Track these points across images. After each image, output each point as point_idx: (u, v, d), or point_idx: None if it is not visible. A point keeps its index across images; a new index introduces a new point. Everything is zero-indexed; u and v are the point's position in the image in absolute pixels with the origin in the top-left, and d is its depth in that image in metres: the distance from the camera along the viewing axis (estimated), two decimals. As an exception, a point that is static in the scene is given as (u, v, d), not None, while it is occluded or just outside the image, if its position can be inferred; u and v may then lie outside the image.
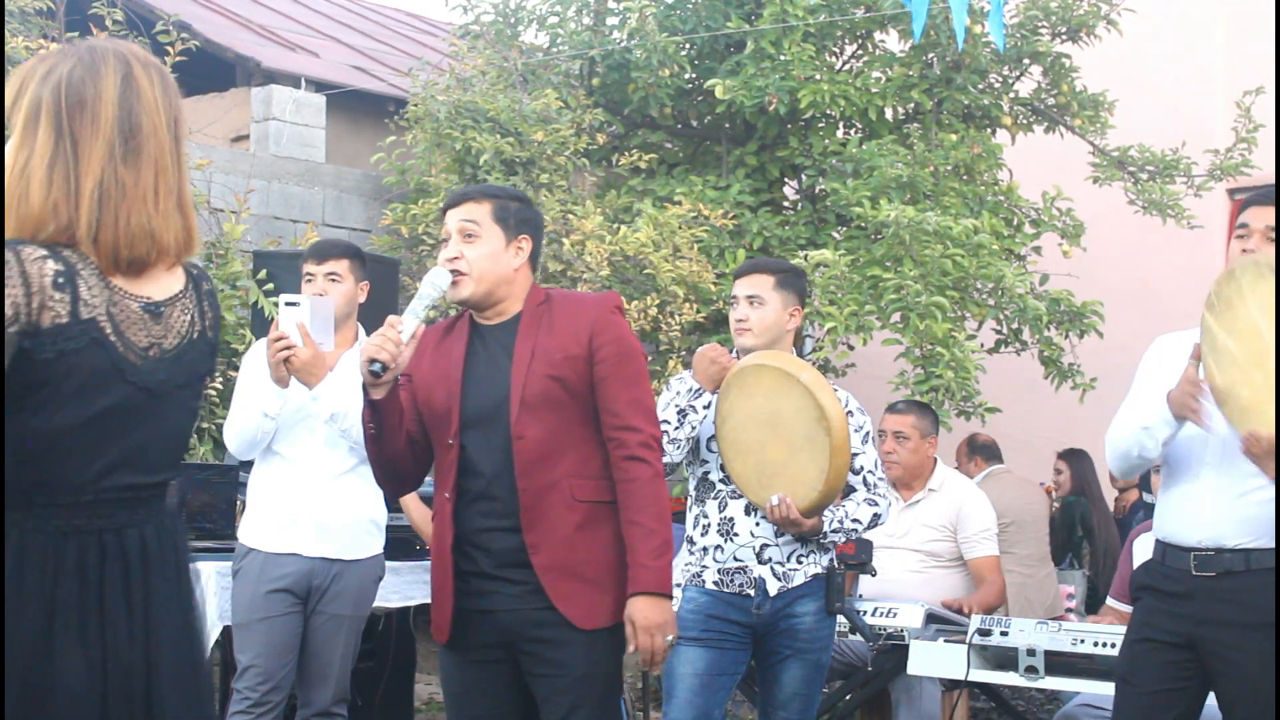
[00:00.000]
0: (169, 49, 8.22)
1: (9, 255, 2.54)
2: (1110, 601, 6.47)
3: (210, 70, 10.93)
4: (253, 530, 5.18)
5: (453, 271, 3.89)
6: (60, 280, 2.58)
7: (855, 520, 4.94)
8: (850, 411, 5.00)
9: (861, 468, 4.99)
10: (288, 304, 5.04)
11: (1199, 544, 4.13)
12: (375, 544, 5.29)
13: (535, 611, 3.81)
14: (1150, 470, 5.63)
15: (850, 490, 4.99)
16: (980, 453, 8.49)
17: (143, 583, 2.72)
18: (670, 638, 3.82)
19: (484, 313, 3.97)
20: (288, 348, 4.96)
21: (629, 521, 3.84)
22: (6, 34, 7.37)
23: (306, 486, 5.13)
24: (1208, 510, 4.14)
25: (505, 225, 3.95)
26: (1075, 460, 9.30)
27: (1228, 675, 4.07)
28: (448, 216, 3.98)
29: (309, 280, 5.25)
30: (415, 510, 6.13)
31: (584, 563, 3.82)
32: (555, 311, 3.94)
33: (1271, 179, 10.53)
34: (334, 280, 5.24)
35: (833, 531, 4.89)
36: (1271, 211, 4.18)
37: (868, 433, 5.08)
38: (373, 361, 3.70)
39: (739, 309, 4.94)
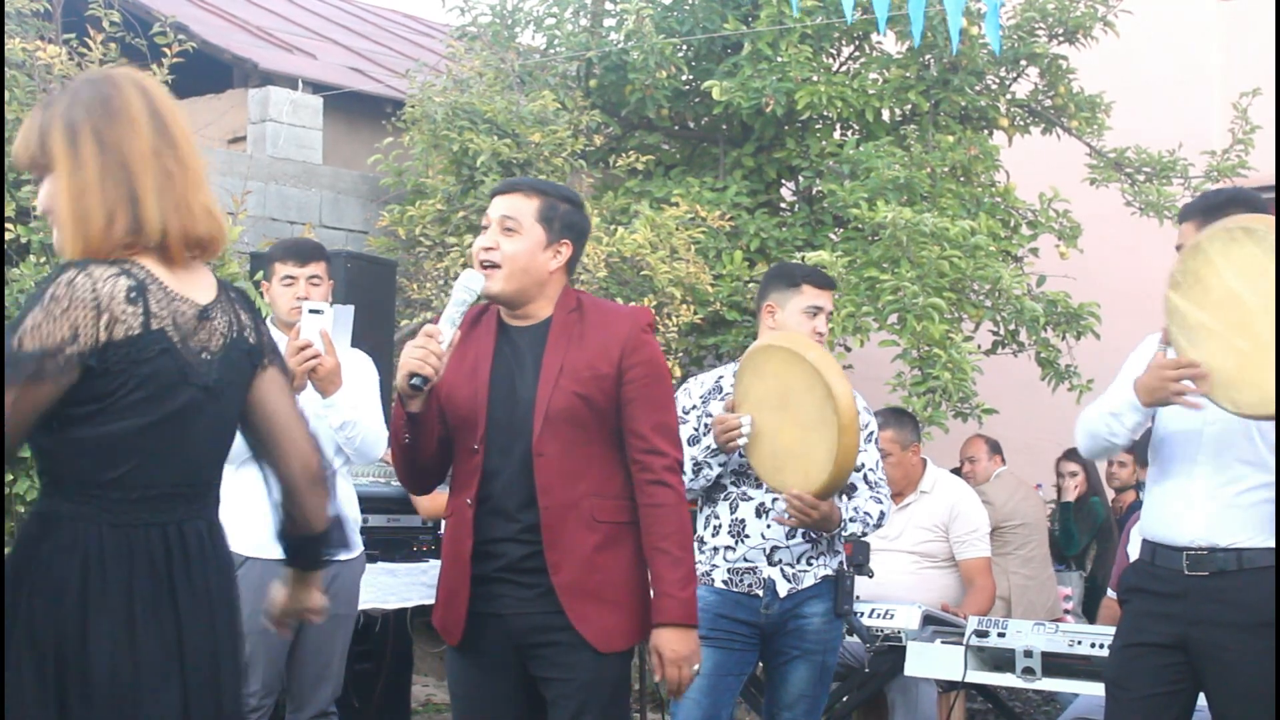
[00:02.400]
0: (166, 50, 8.21)
1: (81, 277, 2.72)
2: (1111, 594, 6.48)
3: (207, 71, 10.92)
4: (248, 538, 5.11)
5: (484, 262, 3.80)
6: (133, 295, 2.77)
7: (867, 513, 4.95)
8: (858, 410, 5.01)
9: (863, 465, 4.99)
10: (311, 310, 4.98)
11: (1191, 543, 4.13)
12: (358, 543, 5.29)
13: (546, 616, 3.76)
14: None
15: (852, 488, 4.99)
16: (999, 451, 8.51)
17: (203, 574, 2.93)
18: (695, 667, 3.79)
19: (512, 312, 3.86)
20: (314, 356, 4.94)
21: (654, 548, 3.77)
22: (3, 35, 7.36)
23: None
24: (1201, 509, 4.13)
25: (549, 225, 3.83)
26: (1089, 460, 9.30)
27: (1220, 676, 4.07)
28: (492, 204, 3.87)
29: (288, 283, 5.16)
30: (426, 499, 6.09)
31: (603, 584, 3.76)
32: (586, 322, 3.83)
33: (1268, 180, 10.56)
34: (315, 284, 5.19)
35: (850, 521, 4.88)
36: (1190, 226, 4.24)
37: (871, 432, 5.09)
38: (413, 375, 3.66)
39: (819, 322, 4.93)
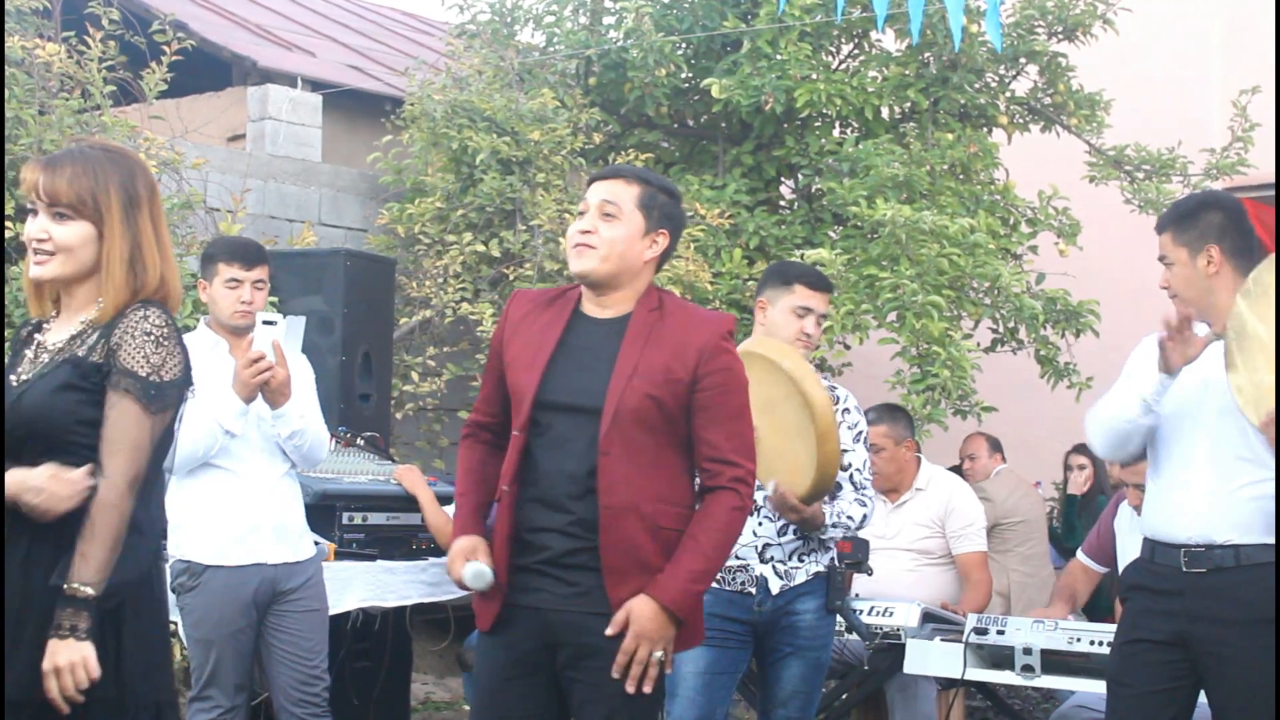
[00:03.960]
0: (165, 48, 8.21)
1: (167, 318, 3.36)
2: (1080, 556, 6.48)
3: (206, 69, 10.91)
4: (207, 547, 5.08)
5: (581, 244, 3.74)
6: (181, 338, 3.40)
7: (849, 517, 4.96)
8: (847, 409, 5.01)
9: (850, 464, 4.98)
10: (265, 322, 4.98)
11: (1189, 540, 4.14)
12: (312, 542, 5.30)
13: (584, 616, 3.66)
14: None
15: (838, 489, 4.98)
16: (999, 449, 8.51)
17: None
18: (659, 654, 3.64)
19: (597, 298, 3.80)
20: (268, 369, 4.93)
21: (690, 535, 3.68)
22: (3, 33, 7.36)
23: (256, 495, 5.09)
24: (1199, 506, 4.13)
25: (648, 214, 3.78)
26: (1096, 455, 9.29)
27: (1220, 673, 4.08)
28: (591, 189, 3.82)
29: (233, 285, 5.08)
30: (432, 513, 6.08)
31: None
32: (667, 323, 3.75)
33: (1267, 177, 10.57)
34: (259, 288, 5.13)
35: (832, 526, 4.89)
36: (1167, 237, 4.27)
37: (860, 432, 5.08)
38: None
39: (808, 323, 4.94)
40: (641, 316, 3.75)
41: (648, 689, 3.65)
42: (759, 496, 4.82)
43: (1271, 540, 4.06)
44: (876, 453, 6.63)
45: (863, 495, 5.02)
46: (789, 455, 4.64)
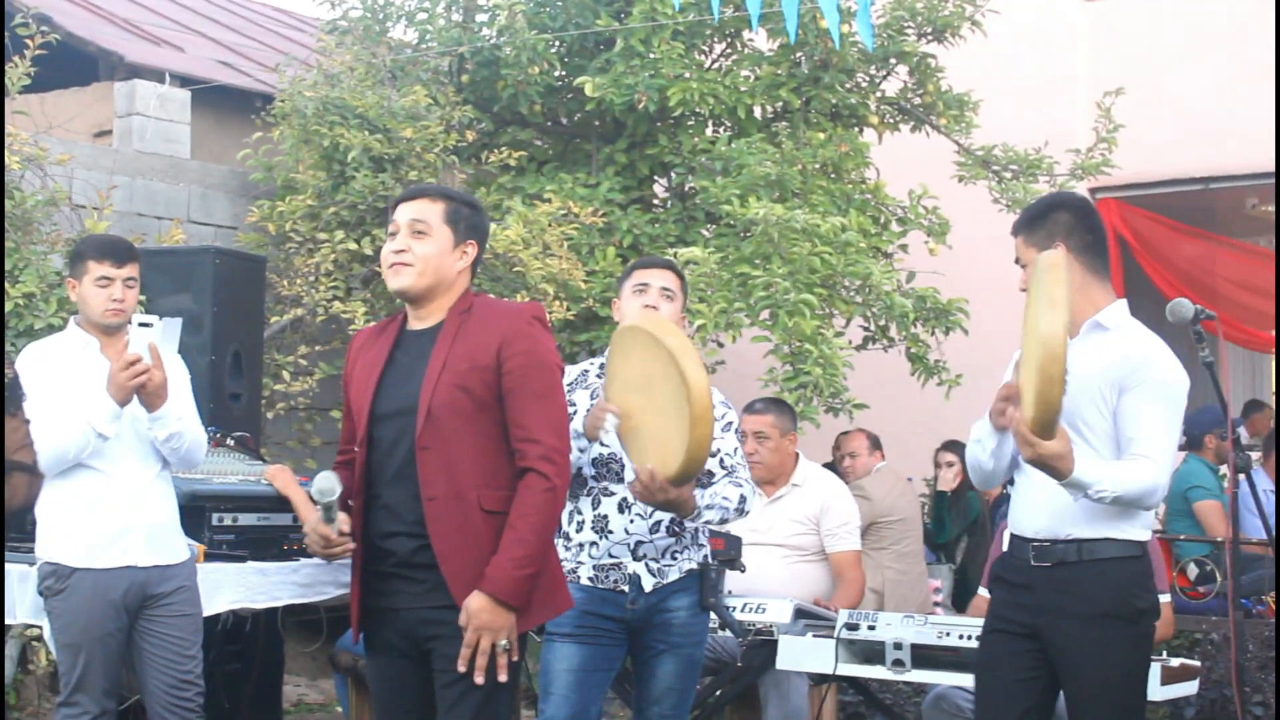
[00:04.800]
0: (28, 42, 8.07)
1: None
2: (982, 591, 6.57)
3: (72, 64, 10.73)
4: (75, 549, 4.99)
5: (397, 263, 3.95)
6: None
7: (725, 498, 4.91)
8: (713, 403, 5.01)
9: (719, 450, 4.98)
10: (140, 324, 4.90)
11: (1036, 534, 4.22)
12: (184, 547, 5.23)
13: (437, 610, 3.85)
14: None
15: (710, 475, 4.97)
16: (879, 447, 8.58)
17: None
18: (504, 643, 3.79)
19: (416, 312, 4.01)
20: (144, 371, 4.86)
21: (509, 525, 3.83)
22: None
23: (128, 497, 4.99)
24: (1043, 501, 4.21)
25: (455, 228, 4.00)
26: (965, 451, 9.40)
27: (1067, 666, 4.16)
28: (399, 211, 4.02)
29: (104, 283, 4.99)
30: (305, 513, 6.00)
31: None
32: (474, 320, 3.95)
33: (1131, 178, 10.80)
34: (130, 286, 5.05)
35: (706, 509, 4.85)
36: None
37: (729, 422, 5.08)
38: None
39: (649, 295, 4.94)
40: (453, 319, 3.97)
41: (502, 677, 3.82)
42: (627, 493, 4.82)
43: (1115, 535, 4.15)
44: (762, 441, 6.67)
45: (736, 478, 5.00)
46: (660, 435, 4.56)
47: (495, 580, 3.77)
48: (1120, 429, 4.14)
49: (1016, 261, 4.36)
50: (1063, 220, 4.30)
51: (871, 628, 5.58)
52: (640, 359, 4.61)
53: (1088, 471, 4.02)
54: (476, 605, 3.77)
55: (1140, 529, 4.19)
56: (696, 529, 4.98)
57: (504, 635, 3.79)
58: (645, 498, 4.65)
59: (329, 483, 3.84)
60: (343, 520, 3.89)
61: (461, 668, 3.80)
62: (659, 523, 4.90)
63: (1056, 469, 3.97)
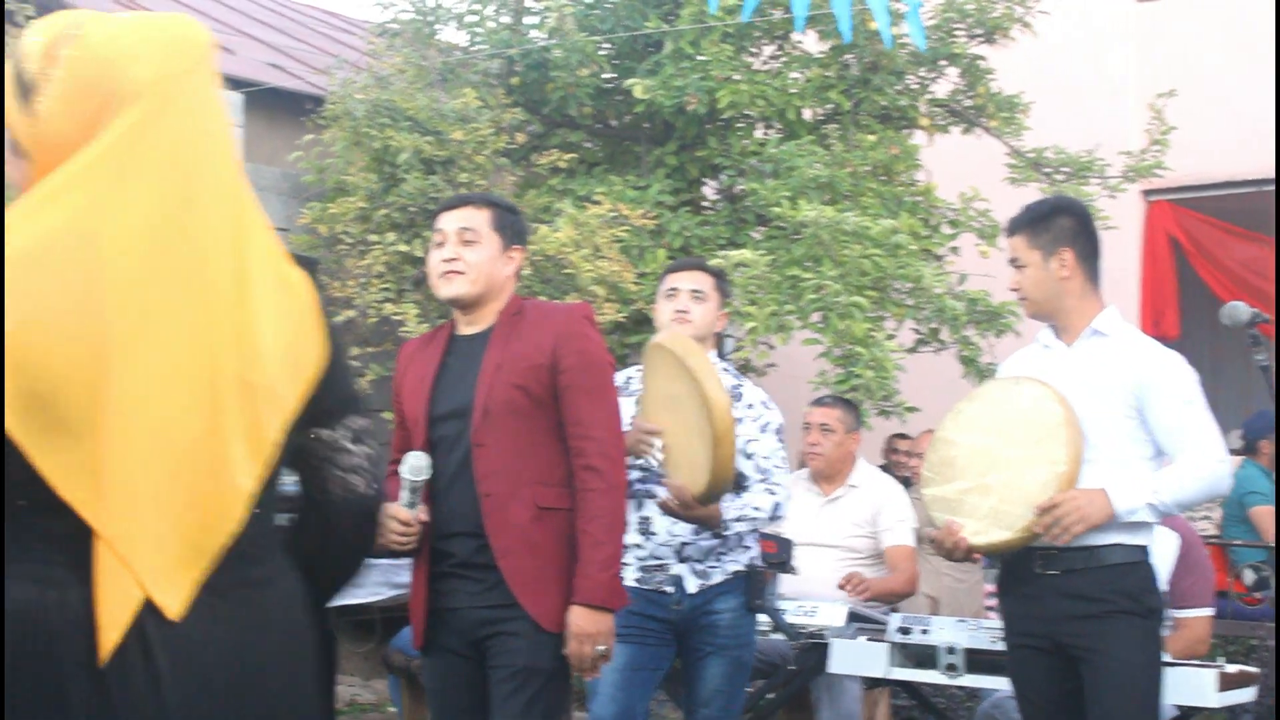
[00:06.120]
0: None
1: None
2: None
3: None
4: None
5: (449, 271, 4.02)
6: None
7: (756, 508, 4.92)
8: (750, 404, 5.00)
9: (754, 454, 4.98)
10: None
11: (1040, 541, 4.20)
12: None
13: (496, 610, 3.91)
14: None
15: (744, 479, 4.96)
16: None
17: None
18: (603, 648, 3.90)
19: (466, 318, 4.08)
20: None
21: (580, 530, 3.91)
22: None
23: None
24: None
25: (503, 234, 4.08)
26: None
27: (1084, 664, 4.18)
28: (443, 219, 4.10)
29: None
30: None
31: (545, 567, 3.91)
32: (525, 321, 4.02)
33: (1184, 180, 10.73)
34: None
35: (734, 521, 4.86)
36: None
37: (768, 424, 5.07)
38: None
39: (679, 300, 4.95)
40: (504, 322, 4.05)
41: (590, 677, 4.03)
42: (660, 493, 4.85)
43: (1123, 540, 4.16)
44: (826, 434, 6.69)
45: (771, 484, 5.00)
46: (687, 453, 4.63)
47: (586, 589, 3.87)
48: (1160, 438, 4.17)
49: (1012, 261, 4.37)
50: (1068, 225, 4.33)
51: (925, 631, 5.56)
52: (666, 377, 4.67)
53: (1128, 500, 4.06)
54: (573, 617, 3.87)
55: (1144, 535, 4.21)
56: (742, 532, 4.98)
57: (604, 640, 3.90)
58: (675, 513, 4.72)
59: (422, 460, 3.90)
60: (422, 510, 3.94)
61: (584, 676, 3.98)
62: (674, 517, 4.91)
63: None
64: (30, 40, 2.15)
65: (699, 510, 4.71)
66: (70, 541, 2.07)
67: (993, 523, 4.19)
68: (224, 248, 2.17)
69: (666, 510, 4.75)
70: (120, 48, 2.12)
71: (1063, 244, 4.30)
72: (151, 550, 2.07)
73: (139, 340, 2.08)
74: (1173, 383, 4.20)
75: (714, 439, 4.49)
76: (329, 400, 2.35)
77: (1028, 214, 4.41)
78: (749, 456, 4.95)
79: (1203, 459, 4.15)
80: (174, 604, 2.09)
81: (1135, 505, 4.11)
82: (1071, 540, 4.11)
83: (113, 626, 2.04)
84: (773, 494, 4.97)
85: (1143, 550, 4.23)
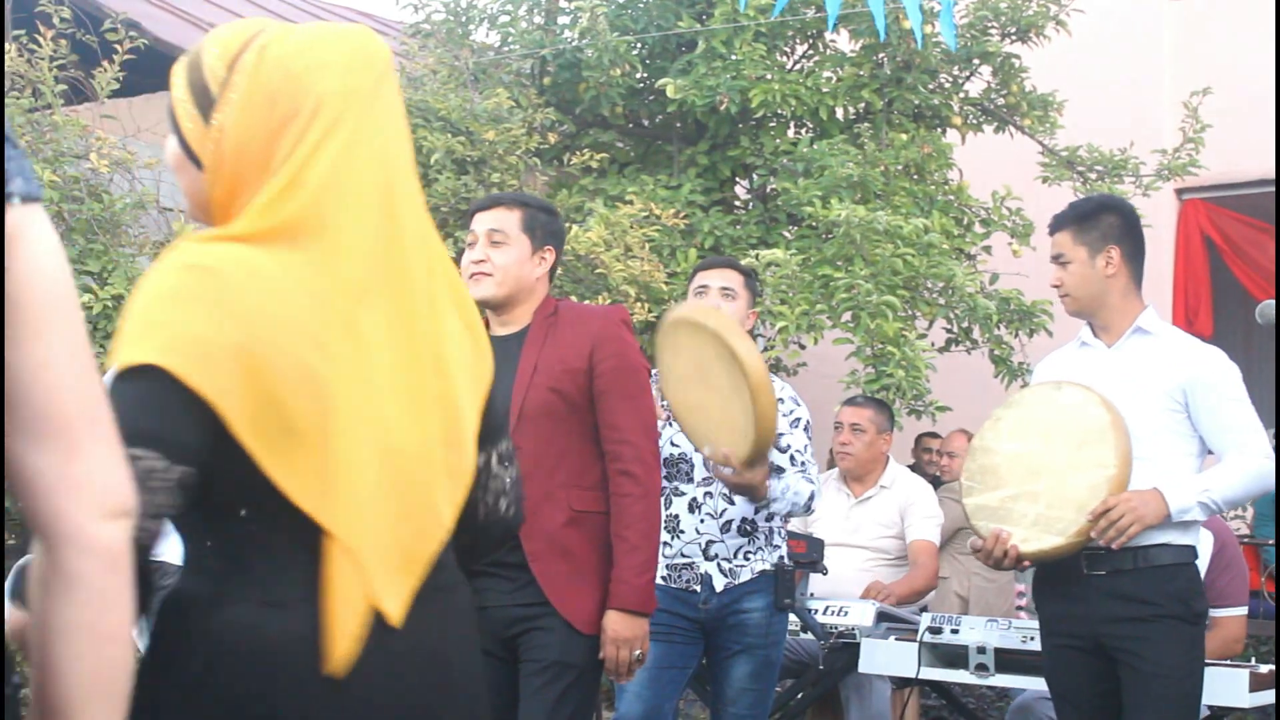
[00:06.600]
0: (117, 47, 8.15)
1: None
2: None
3: (160, 69, 10.76)
4: None
5: (477, 273, 4.02)
6: None
7: (796, 492, 4.91)
8: (781, 400, 4.98)
9: (789, 446, 4.98)
10: None
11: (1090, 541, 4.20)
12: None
13: (527, 608, 3.93)
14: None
15: (780, 470, 4.95)
16: None
17: None
18: (638, 652, 3.91)
19: (499, 318, 4.08)
20: None
21: (615, 535, 3.93)
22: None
23: None
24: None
25: (532, 234, 4.07)
26: None
27: (1126, 665, 4.19)
28: (476, 220, 4.09)
29: None
30: None
31: (577, 569, 3.93)
32: (561, 324, 4.03)
33: (1218, 179, 10.67)
34: None
35: (776, 500, 4.84)
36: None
37: (799, 419, 5.07)
38: None
39: (709, 298, 4.95)
40: (539, 323, 4.05)
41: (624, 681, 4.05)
42: (697, 493, 4.84)
43: (1171, 540, 4.14)
44: (857, 434, 6.69)
45: (807, 474, 4.99)
46: (727, 419, 4.54)
47: (621, 594, 3.89)
48: (1207, 436, 4.16)
49: (1057, 258, 4.35)
50: (1116, 223, 4.32)
51: (955, 631, 5.56)
52: (688, 349, 4.59)
53: (1181, 498, 4.05)
54: (609, 621, 3.89)
55: (1192, 534, 4.20)
56: (771, 529, 4.99)
57: (639, 645, 3.92)
58: (724, 479, 4.68)
59: None
60: None
61: (617, 681, 4.02)
62: (730, 523, 4.91)
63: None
64: (211, 52, 2.17)
65: (747, 475, 4.65)
66: (290, 555, 2.07)
67: (1042, 529, 4.17)
68: (419, 261, 2.19)
69: (717, 476, 4.72)
70: (303, 60, 2.12)
71: (1110, 241, 4.29)
72: (377, 557, 2.09)
73: (360, 352, 2.10)
74: (1220, 380, 4.19)
75: (752, 391, 4.39)
76: (492, 420, 2.38)
77: (1074, 210, 4.41)
78: (784, 450, 4.96)
79: (1251, 456, 4.15)
80: (395, 611, 2.10)
81: (1188, 504, 4.10)
82: (1126, 542, 4.10)
83: (346, 637, 2.04)
84: (810, 483, 4.98)
85: (1191, 550, 4.21)
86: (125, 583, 1.67)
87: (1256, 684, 5.10)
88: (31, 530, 1.65)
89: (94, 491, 1.63)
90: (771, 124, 9.87)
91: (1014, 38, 9.95)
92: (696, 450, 4.78)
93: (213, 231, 2.12)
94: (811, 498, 4.99)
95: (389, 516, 2.10)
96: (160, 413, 1.96)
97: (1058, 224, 4.39)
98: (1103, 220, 4.32)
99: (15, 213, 1.60)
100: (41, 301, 1.62)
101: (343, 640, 2.04)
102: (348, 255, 2.10)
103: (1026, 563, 4.30)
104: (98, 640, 1.64)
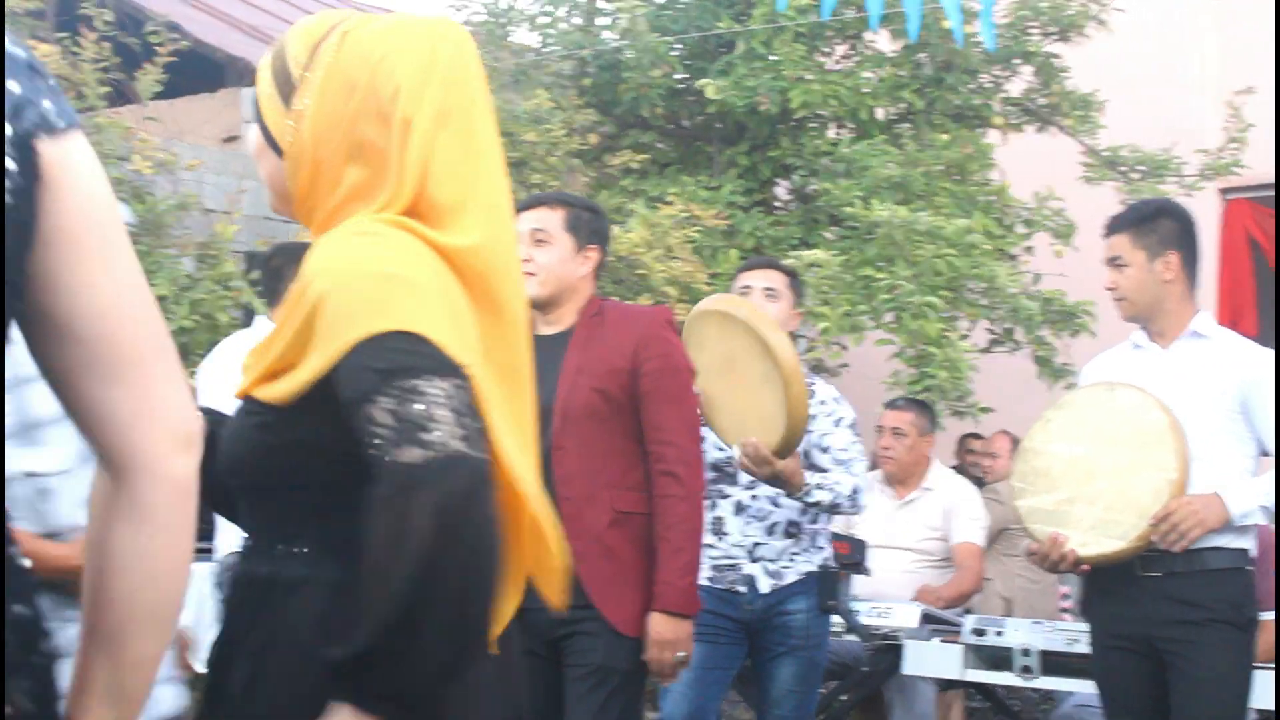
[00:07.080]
0: (159, 49, 8.19)
1: None
2: None
3: (201, 71, 10.89)
4: None
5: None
6: None
7: (838, 483, 4.86)
8: (823, 400, 4.98)
9: (830, 446, 4.95)
10: None
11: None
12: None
13: (570, 610, 3.86)
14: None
15: (823, 471, 4.92)
16: None
17: None
18: (682, 654, 3.90)
19: (544, 317, 4.06)
20: None
21: (659, 537, 3.91)
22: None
23: None
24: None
25: (576, 233, 4.07)
26: None
27: (1176, 668, 4.15)
28: (519, 220, 4.03)
29: None
30: None
31: (621, 571, 3.91)
32: (606, 324, 4.02)
33: (1261, 178, 10.58)
34: None
35: (817, 488, 4.80)
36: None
37: (841, 418, 5.04)
38: None
39: (753, 299, 4.93)
40: (585, 323, 4.04)
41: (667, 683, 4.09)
42: (742, 495, 4.83)
43: (1226, 544, 4.12)
44: (899, 438, 6.67)
45: (850, 471, 4.96)
46: (757, 409, 4.54)
47: (665, 596, 3.87)
48: (1266, 439, 4.15)
49: (1114, 261, 4.32)
50: (1174, 228, 4.30)
51: (999, 633, 5.53)
52: (716, 340, 4.59)
53: (1243, 502, 4.03)
54: (653, 624, 3.87)
55: (1246, 538, 4.17)
56: (816, 532, 4.97)
57: (683, 646, 3.90)
58: (753, 471, 4.64)
59: None
60: None
61: (661, 683, 4.07)
62: (775, 525, 4.90)
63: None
64: (295, 39, 2.17)
65: (778, 465, 4.62)
66: None
67: (1101, 533, 4.14)
68: (515, 252, 2.21)
69: (745, 470, 4.70)
70: (384, 48, 2.12)
71: (1169, 246, 4.27)
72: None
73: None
74: (1270, 380, 4.17)
75: (784, 380, 4.42)
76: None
77: (1132, 213, 4.38)
78: (825, 450, 4.94)
79: None
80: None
81: (1249, 508, 4.08)
82: (1188, 545, 4.08)
83: (501, 619, 2.13)
84: (854, 477, 4.94)
85: (1244, 554, 4.18)
86: (193, 514, 1.69)
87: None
88: (102, 463, 1.66)
89: (169, 424, 1.65)
90: (812, 124, 9.85)
91: (1055, 37, 9.91)
92: (723, 446, 4.76)
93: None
94: (855, 492, 4.94)
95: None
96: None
97: (1115, 226, 4.36)
98: (1161, 224, 4.29)
99: (60, 143, 1.59)
100: (101, 235, 1.62)
101: (499, 620, 2.11)
102: (503, 245, 2.15)
103: (1085, 566, 4.26)
104: (161, 571, 1.66)
